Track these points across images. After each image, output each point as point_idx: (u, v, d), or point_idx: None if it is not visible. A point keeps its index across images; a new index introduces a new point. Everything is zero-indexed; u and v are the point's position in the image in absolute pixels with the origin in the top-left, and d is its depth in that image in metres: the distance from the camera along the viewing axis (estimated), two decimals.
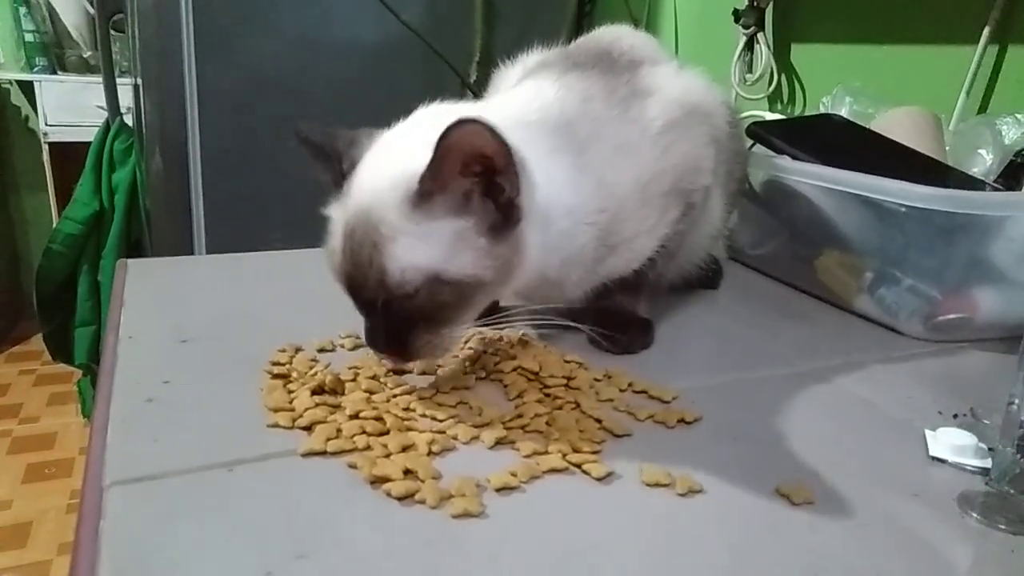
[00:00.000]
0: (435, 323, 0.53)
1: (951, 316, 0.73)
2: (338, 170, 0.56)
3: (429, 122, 0.55)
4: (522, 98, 0.63)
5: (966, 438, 0.52)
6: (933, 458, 0.52)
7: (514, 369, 0.60)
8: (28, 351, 2.62)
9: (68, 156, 2.40)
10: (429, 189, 0.50)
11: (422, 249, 0.50)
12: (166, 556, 0.38)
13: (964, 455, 0.51)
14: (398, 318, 0.52)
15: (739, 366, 0.66)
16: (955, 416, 0.58)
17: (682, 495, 0.45)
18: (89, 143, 1.73)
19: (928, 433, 0.54)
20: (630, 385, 0.59)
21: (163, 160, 1.33)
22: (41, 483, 1.94)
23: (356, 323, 0.66)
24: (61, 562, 1.66)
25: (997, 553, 0.43)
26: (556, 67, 0.66)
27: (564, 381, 0.58)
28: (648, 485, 0.46)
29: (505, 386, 0.58)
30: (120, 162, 1.69)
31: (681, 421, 0.54)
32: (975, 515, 0.45)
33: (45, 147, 2.50)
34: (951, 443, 0.52)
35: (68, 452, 2.07)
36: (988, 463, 0.50)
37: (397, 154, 0.54)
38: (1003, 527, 0.44)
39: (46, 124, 2.49)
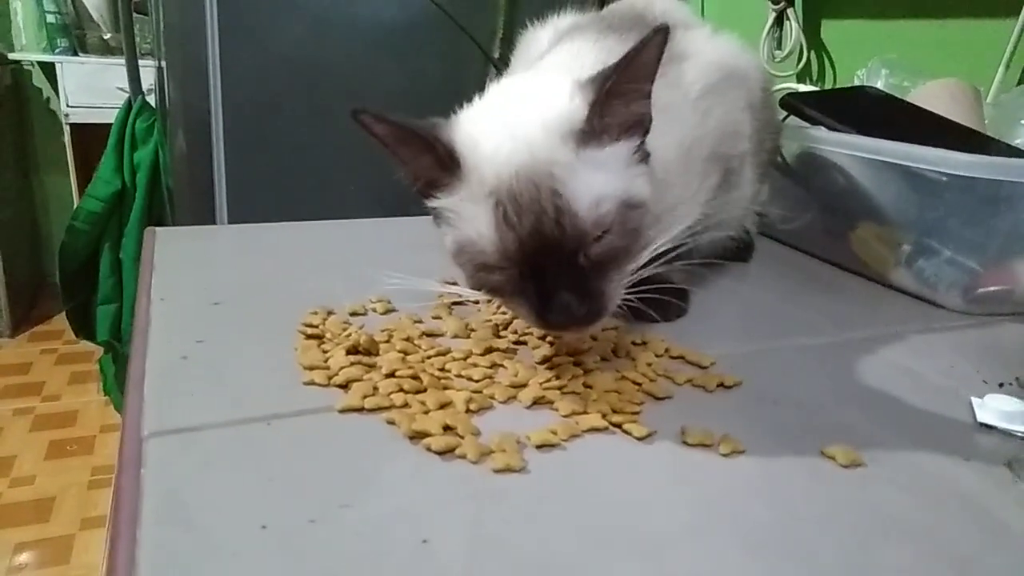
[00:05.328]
0: (619, 264, 0.50)
1: (992, 288, 0.71)
2: (442, 153, 0.50)
3: (524, 82, 0.56)
4: (566, 60, 0.61)
5: (1015, 404, 0.50)
6: (981, 424, 0.50)
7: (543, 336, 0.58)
8: (50, 330, 2.65)
9: (89, 137, 2.42)
10: (599, 116, 0.48)
11: (604, 177, 0.49)
12: (207, 501, 0.37)
13: (1013, 421, 0.50)
14: (587, 270, 0.48)
15: (775, 334, 0.65)
16: (1000, 385, 0.56)
17: (725, 455, 0.45)
18: (110, 124, 1.73)
19: (975, 400, 0.53)
20: (666, 351, 0.58)
21: (186, 140, 1.33)
22: (63, 459, 1.96)
23: (387, 289, 0.66)
24: (83, 537, 1.68)
25: None
26: (592, 30, 0.64)
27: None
28: (690, 445, 0.45)
29: (533, 350, 0.57)
30: (142, 140, 1.69)
31: (721, 385, 0.53)
32: None
33: (66, 128, 2.51)
34: (1000, 409, 0.50)
35: (90, 430, 2.09)
36: None
37: (526, 110, 0.51)
38: None
39: (67, 106, 2.49)
